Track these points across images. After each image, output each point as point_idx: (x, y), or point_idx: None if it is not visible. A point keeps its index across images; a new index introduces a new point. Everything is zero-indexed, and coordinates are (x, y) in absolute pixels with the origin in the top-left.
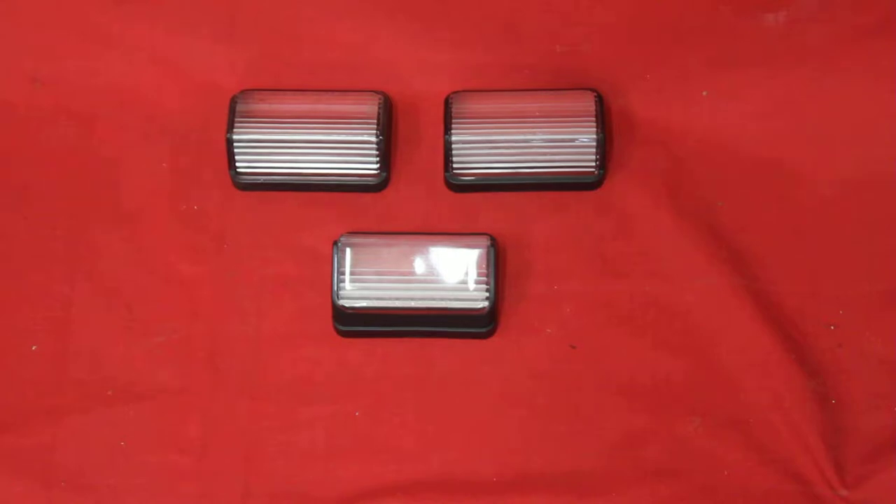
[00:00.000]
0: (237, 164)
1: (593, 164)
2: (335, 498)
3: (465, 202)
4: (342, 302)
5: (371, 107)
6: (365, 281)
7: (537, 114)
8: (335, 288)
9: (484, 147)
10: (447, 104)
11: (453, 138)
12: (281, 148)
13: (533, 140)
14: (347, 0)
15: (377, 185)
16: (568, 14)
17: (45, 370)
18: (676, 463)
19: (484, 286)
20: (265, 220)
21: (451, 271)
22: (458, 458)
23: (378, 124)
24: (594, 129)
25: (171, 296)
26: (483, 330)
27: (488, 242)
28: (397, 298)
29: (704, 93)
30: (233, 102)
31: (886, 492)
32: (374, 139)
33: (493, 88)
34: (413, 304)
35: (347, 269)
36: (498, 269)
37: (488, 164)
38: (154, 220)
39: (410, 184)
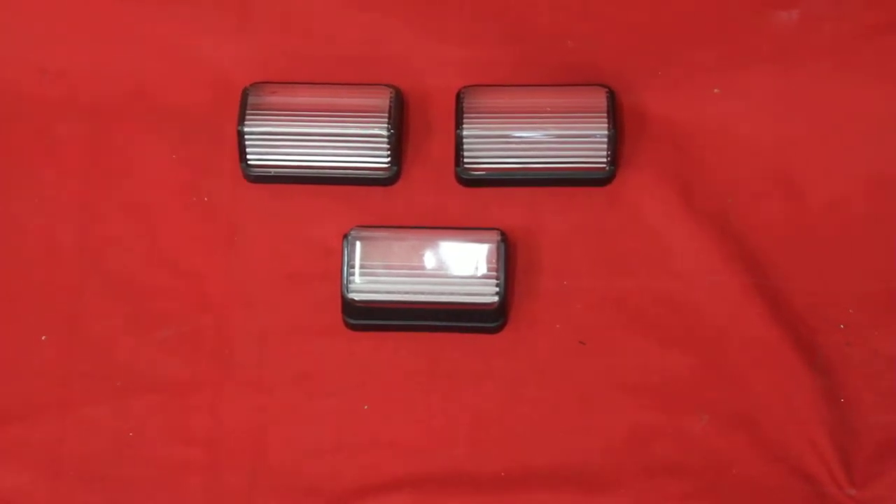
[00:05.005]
0: (248, 157)
1: (604, 160)
2: (342, 491)
3: (475, 197)
4: (352, 295)
5: (382, 100)
6: (375, 275)
7: (549, 109)
8: (345, 281)
9: (495, 142)
10: (459, 99)
11: (464, 133)
12: (292, 141)
13: (544, 135)
14: None
15: (388, 179)
16: (580, 9)
17: (54, 361)
18: (684, 460)
19: (494, 281)
20: (275, 213)
21: (462, 266)
22: (466, 452)
23: (389, 118)
24: (605, 125)
25: (180, 288)
26: (492, 325)
27: (499, 237)
28: (407, 292)
29: (716, 90)
30: (244, 95)
31: (894, 491)
32: (385, 133)
33: (504, 83)
34: (423, 298)
35: (357, 263)
36: (508, 264)
37: (499, 159)
38: (164, 211)
39: (421, 178)
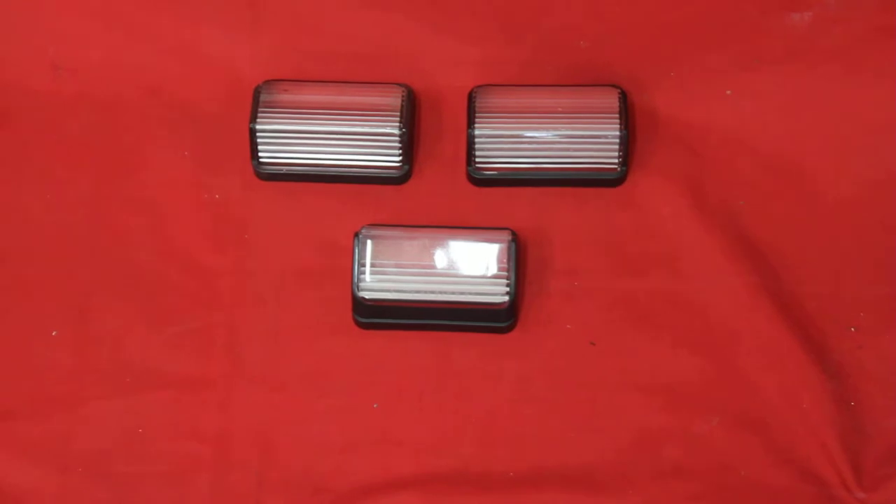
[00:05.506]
0: (260, 155)
1: (616, 160)
2: (350, 490)
3: (486, 196)
4: (362, 294)
5: (395, 99)
6: (385, 273)
7: (561, 109)
8: (355, 280)
9: (507, 142)
10: (471, 98)
11: (476, 132)
12: (304, 139)
13: (556, 136)
14: None
15: (399, 178)
16: (593, 10)
17: (65, 356)
18: (693, 461)
19: (504, 281)
20: (287, 211)
21: (472, 265)
22: (475, 452)
23: (401, 117)
24: (617, 126)
25: (191, 285)
26: (502, 324)
27: (509, 237)
28: (417, 291)
29: (728, 91)
30: (256, 92)
31: None
32: (396, 132)
33: (517, 83)
34: (433, 297)
35: (368, 262)
36: (519, 264)
37: (511, 159)
38: (175, 208)
39: (432, 177)
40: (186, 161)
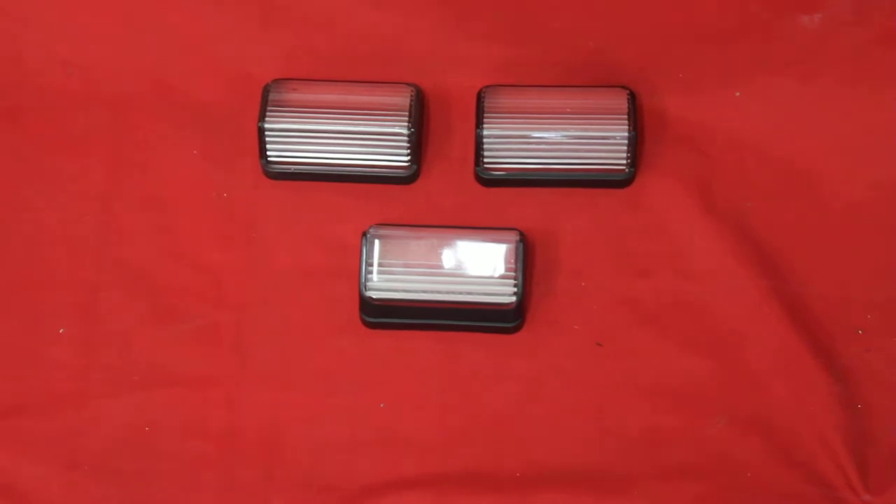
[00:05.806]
0: (268, 153)
1: (624, 161)
2: (357, 489)
3: (494, 197)
4: (370, 293)
5: (403, 99)
6: (393, 273)
7: (569, 110)
8: (363, 279)
9: (515, 142)
10: (479, 98)
11: (485, 133)
12: (312, 138)
13: (564, 136)
14: None
15: (407, 178)
16: (602, 11)
17: (72, 354)
18: (699, 463)
19: (512, 281)
20: (295, 210)
21: (480, 265)
22: (481, 452)
23: (410, 116)
24: (626, 127)
25: (198, 283)
26: (510, 325)
27: (517, 237)
28: (425, 291)
29: (737, 93)
30: (265, 91)
31: None
32: (405, 131)
33: (526, 84)
34: (440, 297)
35: (375, 261)
36: (526, 264)
37: (519, 160)
38: (184, 206)
39: (441, 177)
40: (195, 159)
